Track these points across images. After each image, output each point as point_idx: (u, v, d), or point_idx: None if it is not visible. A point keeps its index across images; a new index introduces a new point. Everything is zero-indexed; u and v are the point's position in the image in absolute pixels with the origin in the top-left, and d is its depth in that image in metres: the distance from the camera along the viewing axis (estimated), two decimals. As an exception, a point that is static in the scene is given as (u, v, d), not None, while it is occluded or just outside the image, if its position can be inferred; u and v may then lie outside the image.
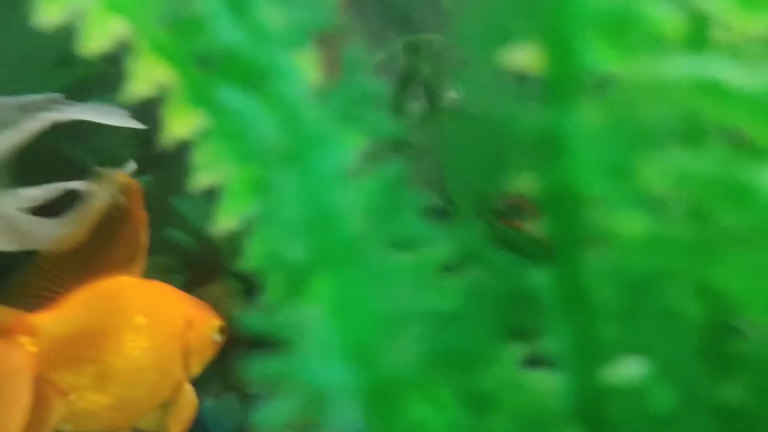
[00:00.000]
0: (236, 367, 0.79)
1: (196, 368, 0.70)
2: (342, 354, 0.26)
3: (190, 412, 0.69)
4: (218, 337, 0.71)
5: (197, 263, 0.80)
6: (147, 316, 0.67)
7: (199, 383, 0.71)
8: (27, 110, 0.67)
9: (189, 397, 0.69)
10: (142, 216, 0.66)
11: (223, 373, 0.76)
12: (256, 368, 0.26)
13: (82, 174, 0.69)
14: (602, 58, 0.25)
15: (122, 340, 0.65)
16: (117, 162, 0.71)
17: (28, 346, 0.61)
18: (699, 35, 0.26)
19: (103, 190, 0.64)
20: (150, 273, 0.69)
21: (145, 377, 0.66)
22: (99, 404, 0.65)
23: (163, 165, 0.77)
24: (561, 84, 0.26)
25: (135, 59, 0.27)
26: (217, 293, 0.80)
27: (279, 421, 0.25)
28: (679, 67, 0.24)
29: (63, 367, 0.63)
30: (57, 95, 0.68)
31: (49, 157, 0.70)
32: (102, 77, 0.73)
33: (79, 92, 0.72)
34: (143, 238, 0.67)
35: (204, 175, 0.27)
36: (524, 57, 0.26)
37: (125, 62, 0.27)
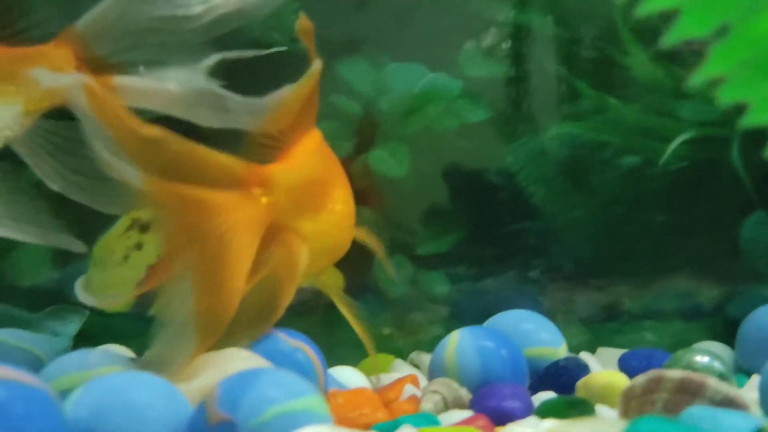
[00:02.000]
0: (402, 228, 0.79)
1: None
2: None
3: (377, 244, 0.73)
4: None
5: (363, 129, 0.81)
6: (339, 164, 0.68)
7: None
8: None
9: (368, 235, 0.73)
10: (316, 58, 0.63)
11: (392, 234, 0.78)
12: None
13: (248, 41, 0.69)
14: None
15: (336, 187, 0.67)
16: (281, 29, 0.71)
17: (261, 196, 0.61)
18: None
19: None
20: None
21: (353, 220, 0.68)
22: (327, 247, 0.66)
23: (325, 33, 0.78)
24: None
25: None
26: (383, 157, 0.81)
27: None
28: None
29: (300, 215, 0.63)
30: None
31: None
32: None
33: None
34: (316, 86, 0.64)
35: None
36: None
37: None
